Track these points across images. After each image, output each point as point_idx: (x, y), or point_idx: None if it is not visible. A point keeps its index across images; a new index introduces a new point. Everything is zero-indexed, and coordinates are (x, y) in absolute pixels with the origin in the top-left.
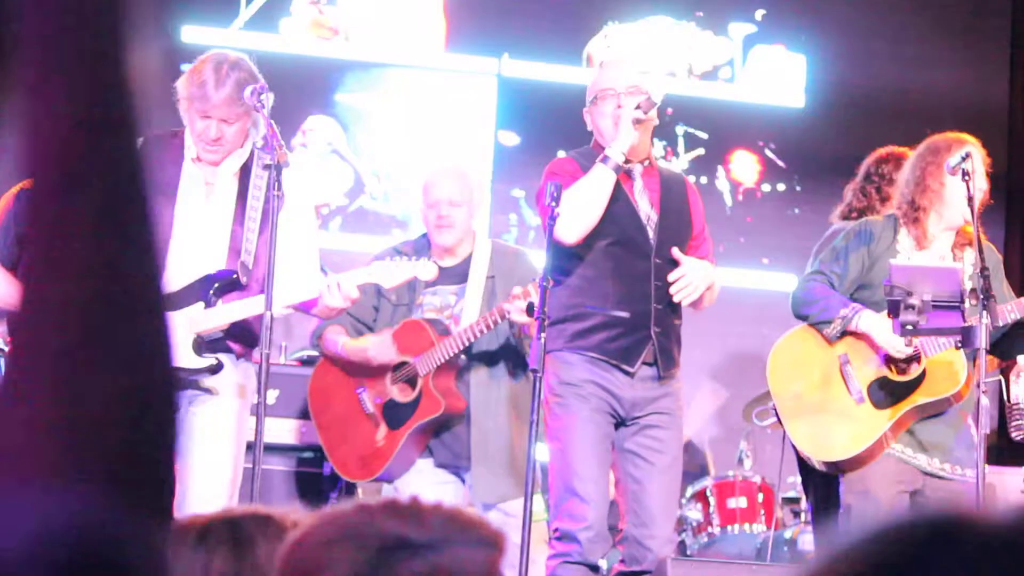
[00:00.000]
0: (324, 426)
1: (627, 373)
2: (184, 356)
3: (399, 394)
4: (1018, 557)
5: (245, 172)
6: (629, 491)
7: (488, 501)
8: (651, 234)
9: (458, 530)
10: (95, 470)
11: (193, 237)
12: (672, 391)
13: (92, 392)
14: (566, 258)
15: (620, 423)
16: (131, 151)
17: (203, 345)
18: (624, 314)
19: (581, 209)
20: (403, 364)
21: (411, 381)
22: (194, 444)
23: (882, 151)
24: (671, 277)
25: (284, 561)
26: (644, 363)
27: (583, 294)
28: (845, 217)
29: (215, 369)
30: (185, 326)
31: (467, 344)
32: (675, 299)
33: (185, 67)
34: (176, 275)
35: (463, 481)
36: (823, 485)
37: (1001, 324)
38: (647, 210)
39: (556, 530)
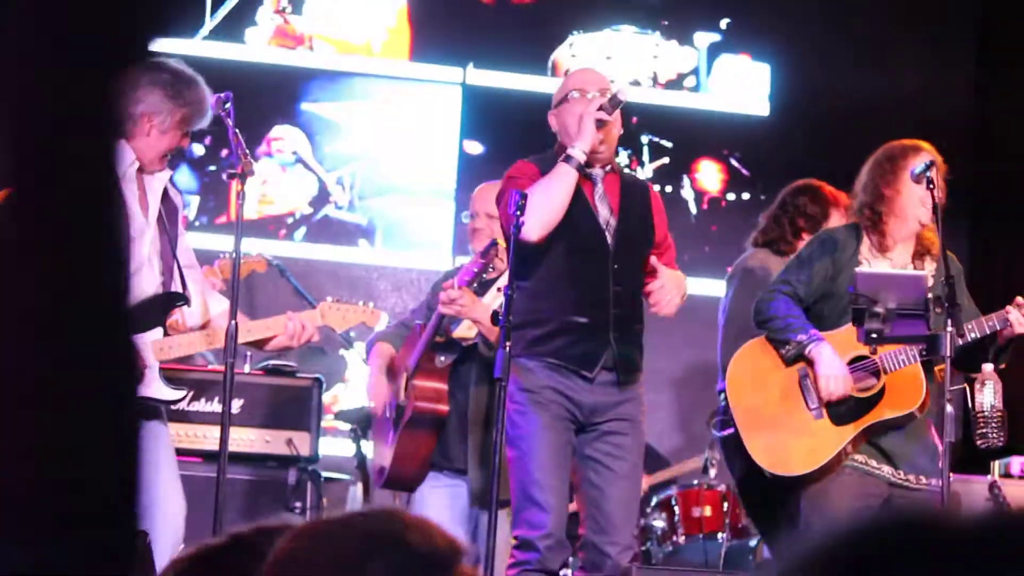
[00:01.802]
0: (373, 436)
1: (586, 379)
2: (158, 387)
3: (402, 397)
4: (979, 559)
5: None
6: (589, 497)
7: (484, 507)
8: (609, 239)
9: (452, 544)
10: (56, 507)
11: (139, 251)
12: (633, 396)
13: (57, 423)
14: (524, 263)
15: (580, 429)
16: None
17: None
18: (582, 319)
19: (543, 206)
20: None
21: (408, 383)
22: (157, 465)
23: (800, 182)
24: (651, 287)
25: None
26: (604, 368)
27: (541, 299)
28: (756, 244)
29: (183, 398)
30: (152, 353)
31: (425, 342)
32: (659, 312)
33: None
34: (133, 291)
35: (467, 486)
36: (764, 496)
37: (961, 342)
38: (606, 215)
39: (516, 538)
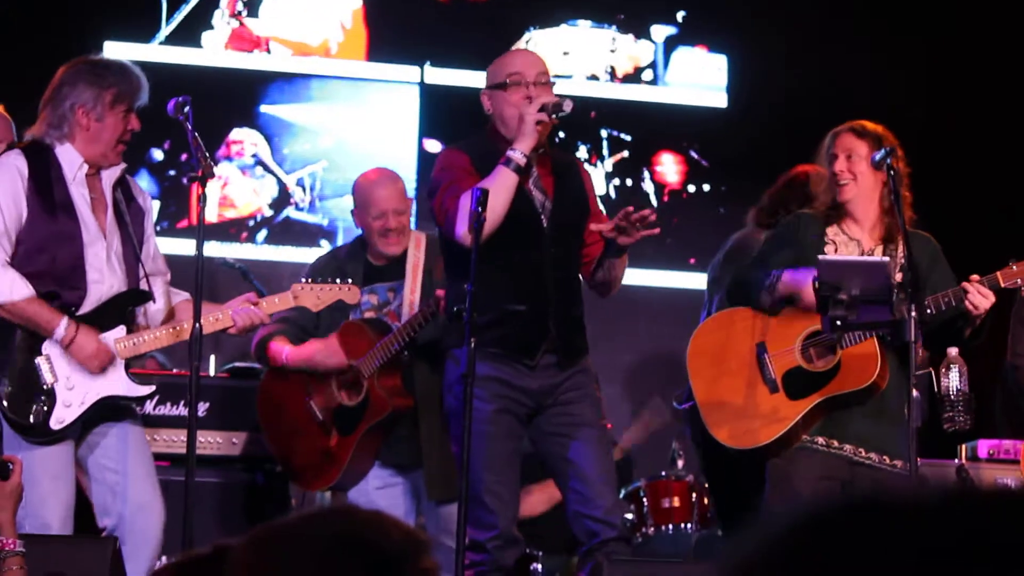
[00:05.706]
0: (276, 438)
1: (528, 366)
2: (123, 384)
3: (347, 399)
4: (942, 534)
5: (118, 184)
6: (562, 472)
7: (443, 498)
8: (545, 224)
9: (411, 536)
10: None
11: (96, 254)
12: (580, 370)
13: None
14: (463, 254)
15: (533, 413)
16: None
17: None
18: (520, 307)
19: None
20: (347, 368)
21: (356, 384)
22: (135, 459)
23: (801, 168)
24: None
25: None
26: (546, 352)
27: (480, 289)
28: (760, 223)
29: (152, 395)
30: (116, 350)
31: (406, 341)
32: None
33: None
34: (94, 294)
35: (408, 482)
36: (729, 477)
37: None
38: (541, 199)
39: (468, 538)
